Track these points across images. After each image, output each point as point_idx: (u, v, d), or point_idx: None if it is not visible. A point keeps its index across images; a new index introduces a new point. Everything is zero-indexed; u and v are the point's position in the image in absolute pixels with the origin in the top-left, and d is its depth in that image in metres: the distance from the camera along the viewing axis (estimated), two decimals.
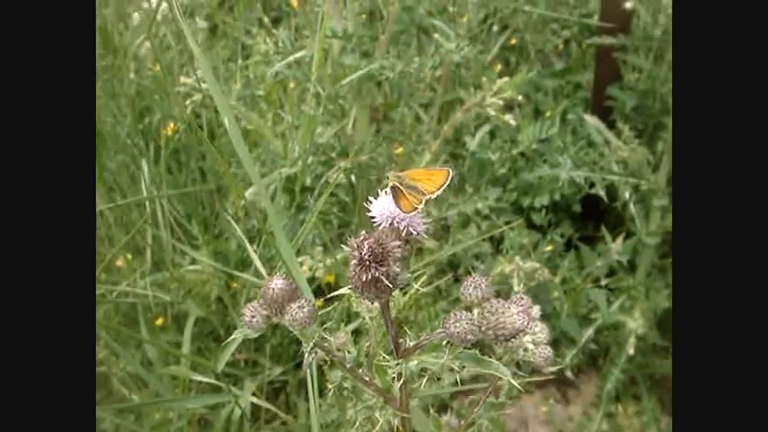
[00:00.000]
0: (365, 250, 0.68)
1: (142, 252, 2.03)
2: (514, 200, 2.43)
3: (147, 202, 2.00)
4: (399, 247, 0.70)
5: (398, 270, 0.70)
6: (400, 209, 0.75)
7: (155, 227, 1.96)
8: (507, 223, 2.22)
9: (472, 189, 2.15)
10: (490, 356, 0.77)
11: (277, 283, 0.74)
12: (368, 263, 0.68)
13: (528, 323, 0.70)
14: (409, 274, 0.75)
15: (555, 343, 2.20)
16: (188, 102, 1.86)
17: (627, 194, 2.07)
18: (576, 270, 2.19)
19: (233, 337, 0.79)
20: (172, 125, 2.19)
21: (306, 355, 0.74)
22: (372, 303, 0.74)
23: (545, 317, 2.19)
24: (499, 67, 2.69)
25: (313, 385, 1.08)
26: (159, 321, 1.89)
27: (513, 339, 0.71)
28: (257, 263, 1.34)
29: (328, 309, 0.81)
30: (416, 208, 0.75)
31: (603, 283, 2.18)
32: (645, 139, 2.29)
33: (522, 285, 1.92)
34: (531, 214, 2.36)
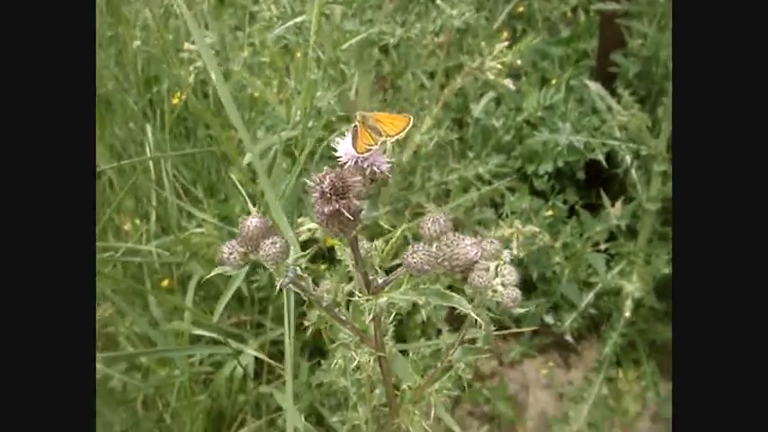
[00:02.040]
0: (326, 184, 0.72)
1: (149, 217, 2.08)
2: (519, 167, 2.44)
3: (153, 167, 2.03)
4: (360, 182, 0.74)
5: (359, 204, 0.74)
6: (354, 148, 0.78)
7: (160, 191, 2.01)
8: (508, 188, 2.24)
9: (473, 154, 2.17)
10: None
11: (252, 221, 0.78)
12: (329, 196, 0.72)
13: (481, 255, 0.73)
14: (377, 213, 0.79)
15: (555, 307, 2.24)
16: (192, 68, 1.89)
17: (628, 160, 2.08)
18: (578, 236, 2.21)
19: (213, 273, 0.83)
20: (178, 93, 2.23)
21: (278, 286, 0.78)
22: (338, 238, 0.78)
23: (545, 281, 2.22)
24: (505, 34, 2.69)
25: (289, 317, 1.11)
26: (165, 283, 1.93)
27: (467, 270, 0.74)
28: None
29: (307, 253, 0.83)
30: (369, 149, 0.78)
31: (603, 248, 2.19)
32: (648, 106, 2.29)
33: (521, 249, 1.95)
34: (534, 180, 2.38)
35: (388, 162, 0.79)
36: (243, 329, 2.02)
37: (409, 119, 0.84)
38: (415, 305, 2.05)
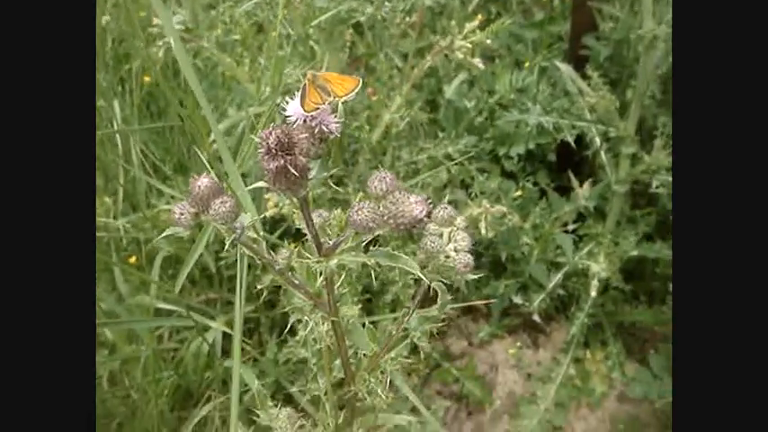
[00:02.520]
0: (272, 139, 0.72)
1: (117, 194, 2.06)
2: (491, 149, 2.45)
3: (121, 144, 2.02)
4: (307, 139, 0.74)
5: (306, 161, 0.74)
6: (302, 106, 0.78)
7: (129, 167, 1.99)
8: (479, 169, 2.25)
9: (444, 135, 2.18)
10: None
11: (203, 181, 0.78)
12: (275, 152, 0.72)
13: (425, 213, 0.74)
14: (326, 173, 0.79)
15: (524, 288, 2.25)
16: (160, 42, 1.88)
17: (597, 142, 2.09)
18: (547, 217, 2.22)
19: (164, 234, 0.83)
20: (150, 71, 2.21)
21: (227, 244, 0.78)
22: (286, 196, 0.78)
23: (515, 261, 2.23)
24: (479, 16, 2.69)
25: (241, 280, 1.11)
26: (132, 260, 1.92)
27: (412, 228, 0.74)
28: None
29: (262, 216, 0.84)
30: (316, 108, 0.78)
31: (572, 228, 2.21)
32: (619, 89, 2.31)
33: (490, 229, 1.96)
34: (505, 162, 2.39)
35: (336, 122, 0.79)
36: (211, 307, 2.02)
37: (358, 80, 0.84)
38: (384, 284, 2.06)
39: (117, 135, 2.03)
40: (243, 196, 1.17)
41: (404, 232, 0.74)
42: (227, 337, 1.93)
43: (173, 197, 1.94)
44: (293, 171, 0.72)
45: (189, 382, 1.83)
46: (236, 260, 1.94)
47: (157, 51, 2.01)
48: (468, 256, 0.82)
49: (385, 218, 0.75)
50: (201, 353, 1.80)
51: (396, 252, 0.77)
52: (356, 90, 0.83)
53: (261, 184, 0.78)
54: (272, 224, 1.96)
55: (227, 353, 1.91)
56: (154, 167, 2.12)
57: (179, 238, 1.98)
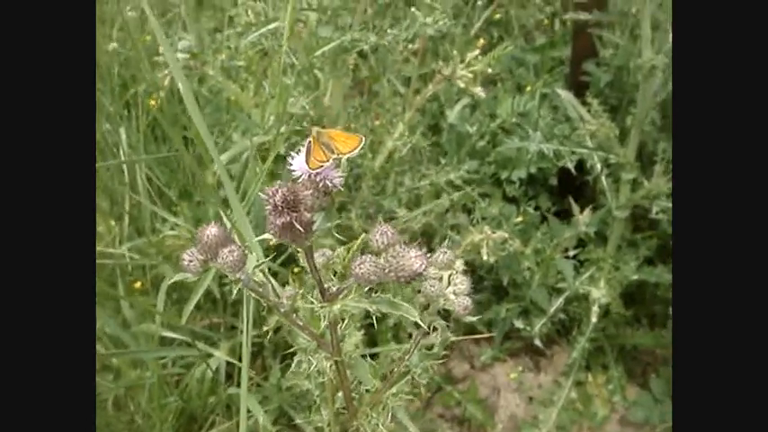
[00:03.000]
0: (278, 197, 0.75)
1: (122, 218, 2.09)
2: (493, 173, 2.48)
3: (127, 170, 2.04)
4: (311, 195, 0.77)
5: (310, 216, 0.77)
6: (307, 163, 0.81)
7: (134, 193, 2.02)
8: (481, 194, 2.27)
9: (446, 161, 2.20)
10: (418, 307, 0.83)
11: (211, 230, 0.81)
12: (281, 209, 0.75)
13: (425, 267, 0.76)
14: (329, 224, 0.81)
15: (526, 312, 2.27)
16: (166, 71, 1.90)
17: (598, 168, 2.11)
18: (549, 242, 2.24)
19: (172, 280, 0.85)
20: (154, 96, 2.24)
21: (234, 291, 0.81)
22: (292, 247, 0.81)
23: (516, 286, 2.25)
24: (481, 41, 2.72)
25: (248, 322, 1.13)
26: (137, 285, 1.94)
27: (412, 281, 0.77)
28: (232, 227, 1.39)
29: (265, 261, 0.86)
30: (321, 165, 0.81)
31: (573, 254, 2.23)
32: (620, 115, 2.33)
33: (491, 255, 1.98)
34: (506, 187, 2.41)
35: (340, 176, 0.82)
36: (215, 332, 2.03)
37: (361, 139, 0.87)
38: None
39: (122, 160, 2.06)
40: (245, 231, 1.19)
41: (405, 284, 0.77)
42: (231, 363, 1.94)
43: (177, 224, 1.96)
44: (298, 226, 0.75)
45: (193, 407, 1.84)
46: (242, 296, 1.96)
47: (163, 79, 2.04)
48: (467, 299, 0.85)
49: (386, 271, 0.78)
50: (206, 378, 1.81)
51: (396, 300, 0.80)
52: (359, 148, 0.86)
53: (267, 236, 0.80)
54: (275, 255, 1.98)
55: (231, 378, 1.93)
56: (159, 192, 2.14)
57: None
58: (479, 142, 2.48)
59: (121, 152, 2.08)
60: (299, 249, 0.94)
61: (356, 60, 2.38)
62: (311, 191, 0.78)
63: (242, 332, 1.94)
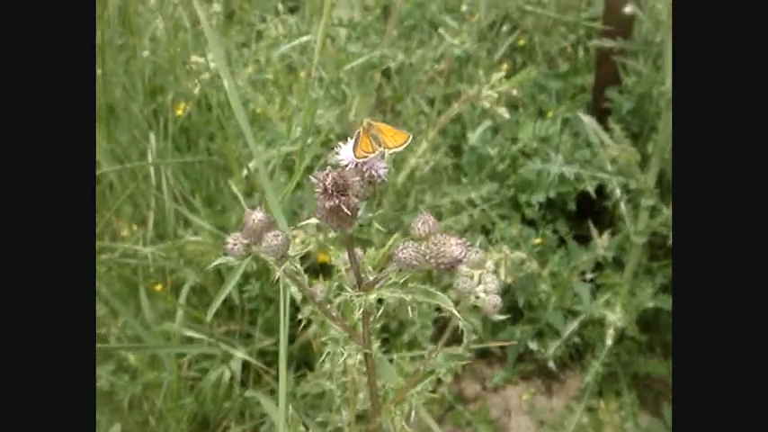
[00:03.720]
0: (329, 181, 0.78)
1: (146, 222, 2.12)
2: (512, 195, 2.50)
3: (153, 175, 2.08)
4: (359, 182, 0.80)
5: (357, 201, 0.80)
6: (353, 152, 0.84)
7: (160, 194, 2.05)
8: (500, 215, 2.29)
9: (467, 181, 2.22)
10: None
11: (257, 215, 0.84)
12: (331, 192, 0.78)
13: (465, 255, 0.79)
14: (372, 214, 0.84)
15: (540, 334, 2.27)
16: (197, 80, 1.95)
17: (618, 193, 2.13)
18: (566, 265, 2.25)
19: (217, 262, 0.88)
20: (182, 104, 2.28)
21: (276, 275, 0.83)
22: (336, 232, 0.83)
23: (532, 308, 2.26)
24: (505, 66, 2.76)
25: (285, 309, 1.15)
26: (158, 288, 1.97)
27: (452, 268, 0.79)
28: None
29: (305, 249, 0.89)
30: (366, 156, 0.84)
31: (589, 277, 2.24)
32: (641, 142, 2.35)
33: (508, 275, 1.99)
34: (525, 209, 2.43)
35: (385, 167, 0.85)
36: (232, 338, 2.05)
37: (409, 136, 0.89)
38: (402, 323, 2.09)
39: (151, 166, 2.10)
40: (280, 221, 1.22)
41: (444, 271, 0.79)
42: (245, 369, 1.96)
43: (201, 227, 1.99)
44: (346, 210, 0.78)
45: (207, 410, 1.86)
46: (259, 296, 1.99)
47: (193, 87, 2.08)
48: (497, 297, 0.87)
49: (427, 257, 0.81)
50: (221, 383, 1.83)
51: (432, 289, 0.82)
52: (406, 144, 0.88)
53: (312, 221, 0.83)
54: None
55: (245, 384, 1.94)
56: (183, 199, 2.18)
57: (204, 269, 2.03)
58: (500, 165, 2.50)
59: (150, 158, 2.12)
60: (328, 253, 0.97)
61: (380, 80, 2.42)
62: (359, 178, 0.81)
63: (260, 339, 1.97)
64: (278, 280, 0.86)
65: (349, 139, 0.87)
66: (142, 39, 2.53)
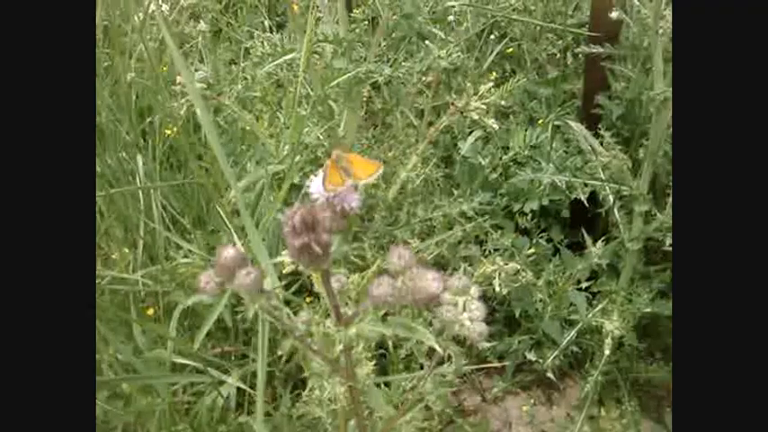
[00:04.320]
0: (296, 219, 0.75)
1: (136, 246, 2.10)
2: (505, 205, 2.48)
3: (142, 197, 2.06)
4: (329, 217, 0.78)
5: (328, 238, 0.77)
6: (323, 185, 0.82)
7: (149, 221, 2.03)
8: (494, 225, 2.27)
9: (459, 192, 2.21)
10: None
11: (228, 251, 0.82)
12: (299, 230, 0.75)
13: (442, 290, 0.76)
14: (346, 248, 0.82)
15: (538, 344, 2.25)
16: (183, 100, 1.93)
17: (611, 200, 2.11)
18: (561, 274, 2.24)
19: (188, 302, 0.86)
20: (171, 125, 2.27)
21: (250, 313, 0.81)
22: (309, 270, 0.81)
23: (528, 318, 2.24)
24: (494, 74, 2.75)
25: (263, 345, 1.13)
26: (150, 312, 1.95)
27: (429, 303, 0.77)
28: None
29: (281, 285, 0.87)
30: (335, 189, 0.82)
31: (585, 286, 2.22)
32: (633, 147, 2.34)
33: (504, 286, 1.97)
34: (519, 219, 2.42)
35: (358, 199, 0.83)
36: (226, 360, 2.03)
37: (380, 165, 0.87)
38: (399, 338, 2.07)
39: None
40: (261, 256, 1.20)
41: (422, 307, 0.77)
42: (240, 392, 1.94)
43: (190, 251, 1.97)
44: (316, 248, 0.76)
45: None
46: (254, 325, 1.97)
47: (179, 108, 2.06)
48: (483, 325, 0.84)
49: (403, 293, 0.78)
50: (216, 407, 1.81)
51: (413, 324, 0.79)
52: (377, 175, 0.86)
53: (284, 257, 0.81)
54: (288, 282, 1.99)
55: (241, 406, 1.92)
56: (173, 220, 2.16)
57: (196, 291, 2.01)
58: (492, 174, 2.49)
59: (138, 180, 2.10)
60: (311, 276, 0.95)
61: (370, 93, 2.41)
62: (329, 213, 0.79)
63: (254, 360, 1.94)
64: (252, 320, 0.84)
65: (317, 172, 0.85)
66: (128, 60, 2.52)
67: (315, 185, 0.84)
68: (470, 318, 0.83)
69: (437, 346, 0.79)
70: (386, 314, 0.83)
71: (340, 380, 0.90)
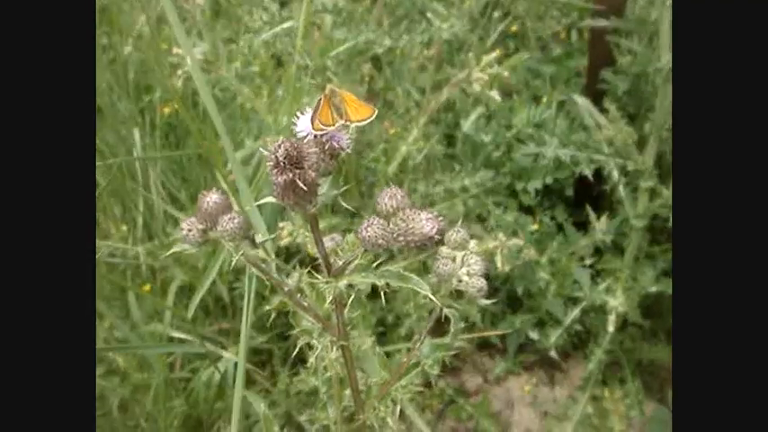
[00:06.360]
0: (281, 152, 0.70)
1: (135, 221, 2.07)
2: (508, 183, 2.44)
3: (140, 173, 2.03)
4: (316, 153, 0.73)
5: (315, 176, 0.73)
6: (311, 123, 0.77)
7: (147, 194, 2.01)
8: (496, 203, 2.24)
9: (461, 169, 2.17)
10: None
11: (212, 196, 0.77)
12: (283, 164, 0.71)
13: (437, 230, 0.72)
14: (336, 191, 0.77)
15: (540, 323, 2.22)
16: (180, 72, 1.90)
17: (615, 176, 2.07)
18: (564, 251, 2.20)
19: (170, 251, 0.82)
20: (170, 102, 2.23)
21: (234, 261, 0.77)
22: (295, 212, 0.77)
23: (531, 296, 2.21)
24: (497, 52, 2.70)
25: (249, 298, 1.10)
26: (147, 287, 1.92)
27: (422, 246, 0.73)
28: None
29: (274, 236, 0.83)
30: (324, 129, 0.77)
31: (589, 263, 2.19)
32: (638, 122, 2.30)
33: (506, 264, 1.94)
34: (522, 197, 2.38)
35: (348, 138, 0.78)
36: (224, 337, 2.00)
37: (374, 110, 0.82)
38: (398, 316, 2.04)
39: (137, 164, 2.05)
40: (257, 223, 1.17)
41: (414, 250, 0.73)
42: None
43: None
44: (302, 185, 0.71)
45: (199, 411, 1.81)
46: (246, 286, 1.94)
47: (177, 81, 2.03)
48: (482, 280, 0.80)
49: (395, 235, 0.73)
50: (213, 383, 1.78)
51: (406, 273, 0.75)
52: (369, 119, 0.81)
53: (269, 199, 0.76)
54: (286, 256, 1.96)
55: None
56: (171, 197, 2.13)
57: (194, 267, 1.98)
58: (495, 153, 2.44)
59: (135, 155, 2.07)
60: (308, 235, 0.91)
61: (371, 71, 2.36)
62: (316, 148, 0.74)
63: (252, 338, 1.92)
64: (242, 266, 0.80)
65: (306, 109, 0.81)
66: (126, 36, 2.48)
67: (302, 122, 0.79)
68: (469, 272, 0.80)
69: (434, 299, 0.74)
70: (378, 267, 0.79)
71: (331, 339, 0.86)
